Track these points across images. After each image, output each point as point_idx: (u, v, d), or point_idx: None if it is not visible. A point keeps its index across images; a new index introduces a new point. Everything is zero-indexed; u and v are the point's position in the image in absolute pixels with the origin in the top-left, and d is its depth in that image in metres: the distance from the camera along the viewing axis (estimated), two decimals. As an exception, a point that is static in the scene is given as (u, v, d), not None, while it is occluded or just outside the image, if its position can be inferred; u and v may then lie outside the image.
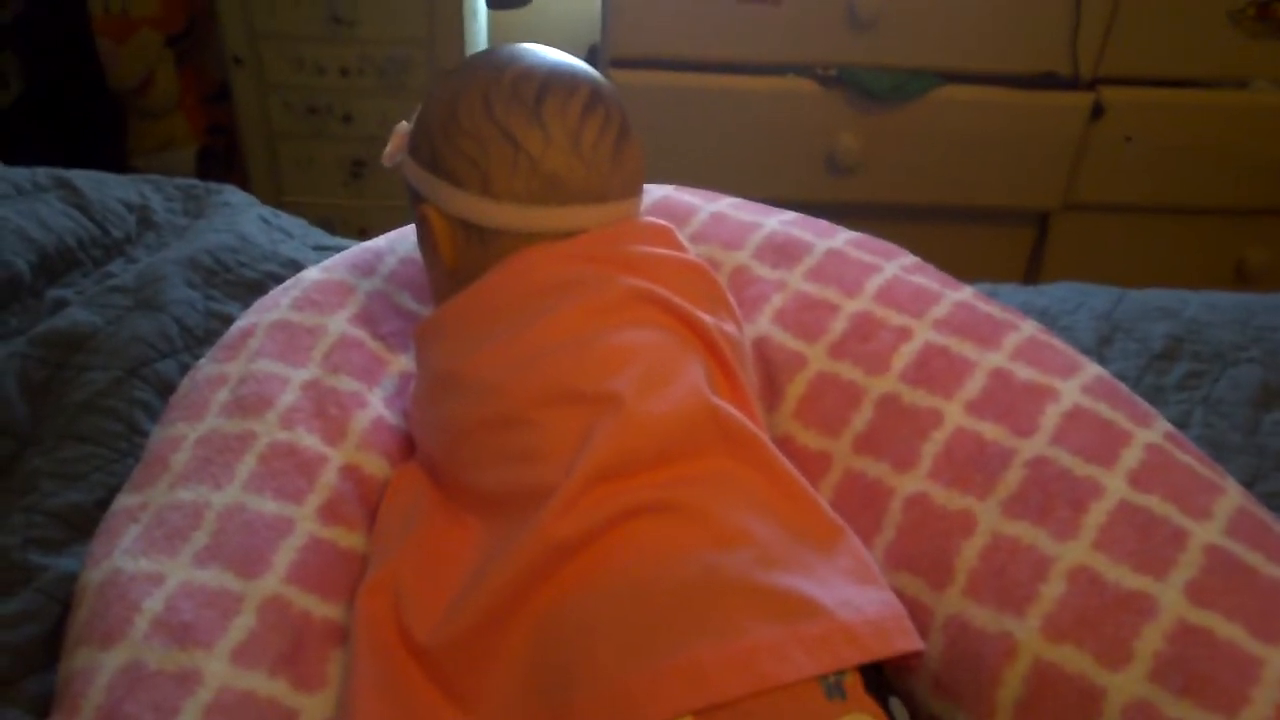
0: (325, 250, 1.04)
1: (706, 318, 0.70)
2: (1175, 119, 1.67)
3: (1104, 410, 0.72)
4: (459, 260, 0.73)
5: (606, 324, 0.67)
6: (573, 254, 0.70)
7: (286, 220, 1.08)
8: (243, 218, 1.03)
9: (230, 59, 1.75)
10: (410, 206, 0.76)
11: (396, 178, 0.77)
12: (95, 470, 0.78)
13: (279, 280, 0.93)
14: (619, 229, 0.72)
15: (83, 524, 0.74)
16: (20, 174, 1.02)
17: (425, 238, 0.76)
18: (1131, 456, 0.69)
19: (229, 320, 0.88)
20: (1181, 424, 0.87)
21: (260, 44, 1.73)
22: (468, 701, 0.60)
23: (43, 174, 1.02)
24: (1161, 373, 0.94)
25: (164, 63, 1.91)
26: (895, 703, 0.59)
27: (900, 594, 0.66)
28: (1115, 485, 0.67)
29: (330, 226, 1.25)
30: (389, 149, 0.77)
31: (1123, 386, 0.76)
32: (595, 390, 0.64)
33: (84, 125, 1.85)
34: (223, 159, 2.01)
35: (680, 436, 0.64)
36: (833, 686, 0.56)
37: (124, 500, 0.71)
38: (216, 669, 0.61)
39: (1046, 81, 1.66)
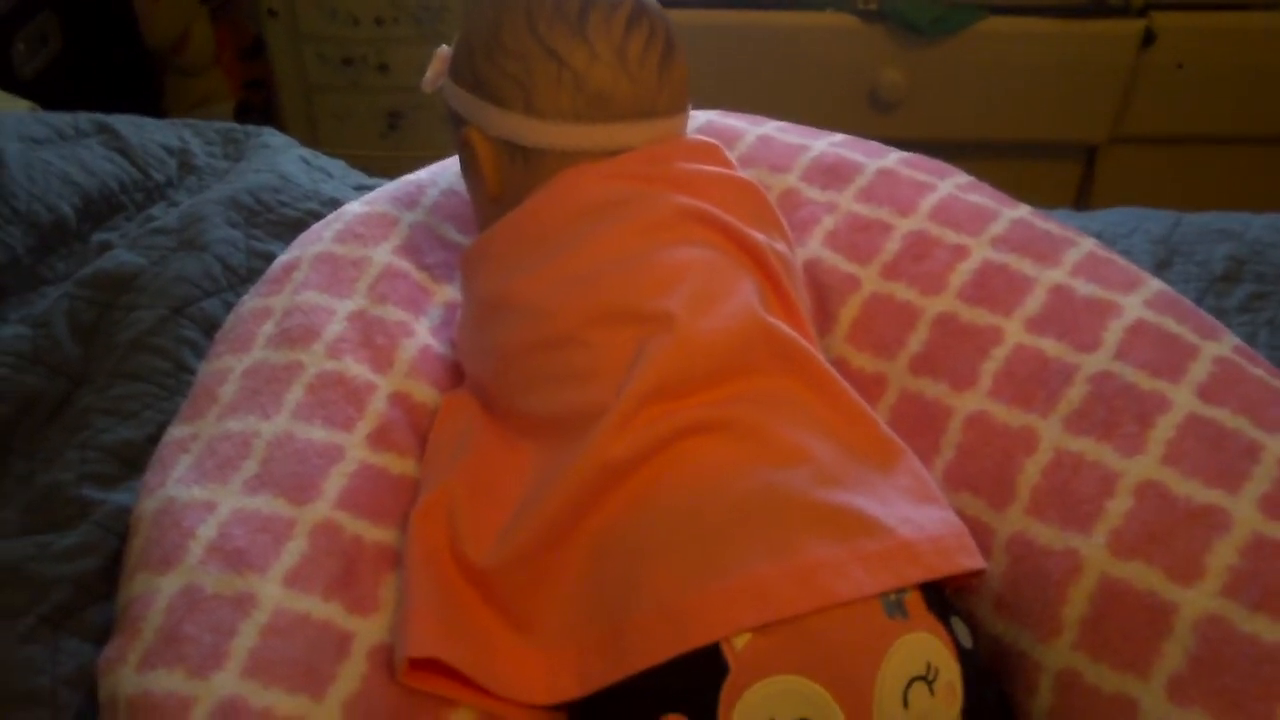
0: (365, 190, 1.03)
1: (758, 236, 0.69)
2: (1230, 43, 1.62)
3: (1169, 324, 0.70)
4: (503, 184, 0.72)
5: (657, 242, 0.66)
6: (620, 172, 0.69)
7: (326, 161, 1.07)
8: (283, 158, 1.02)
9: (264, 12, 1.74)
10: (452, 132, 0.75)
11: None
12: (145, 407, 0.79)
13: (320, 218, 0.92)
14: (666, 146, 0.71)
15: (135, 459, 0.75)
16: (62, 119, 1.02)
17: (468, 163, 0.75)
18: (1200, 370, 0.67)
19: (271, 258, 0.88)
20: (1245, 347, 0.84)
21: (294, -5, 1.72)
22: (523, 623, 0.59)
23: (84, 119, 1.02)
24: (1223, 295, 0.91)
25: (199, 19, 1.90)
26: (957, 622, 0.58)
27: (961, 514, 0.64)
28: (1183, 399, 0.65)
29: (369, 177, 1.25)
30: (430, 74, 0.75)
31: (1187, 301, 0.73)
32: (646, 309, 0.63)
33: (122, 84, 1.85)
34: (260, 114, 2.01)
35: (733, 354, 0.63)
36: (894, 604, 0.55)
37: (175, 432, 0.71)
38: (271, 592, 0.61)
39: (1095, 9, 1.61)
